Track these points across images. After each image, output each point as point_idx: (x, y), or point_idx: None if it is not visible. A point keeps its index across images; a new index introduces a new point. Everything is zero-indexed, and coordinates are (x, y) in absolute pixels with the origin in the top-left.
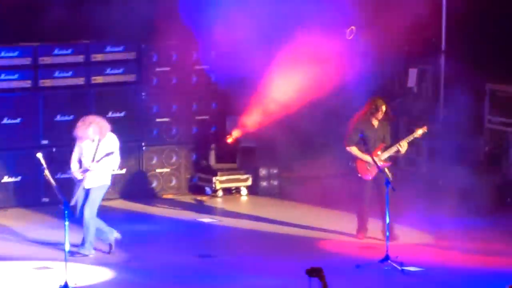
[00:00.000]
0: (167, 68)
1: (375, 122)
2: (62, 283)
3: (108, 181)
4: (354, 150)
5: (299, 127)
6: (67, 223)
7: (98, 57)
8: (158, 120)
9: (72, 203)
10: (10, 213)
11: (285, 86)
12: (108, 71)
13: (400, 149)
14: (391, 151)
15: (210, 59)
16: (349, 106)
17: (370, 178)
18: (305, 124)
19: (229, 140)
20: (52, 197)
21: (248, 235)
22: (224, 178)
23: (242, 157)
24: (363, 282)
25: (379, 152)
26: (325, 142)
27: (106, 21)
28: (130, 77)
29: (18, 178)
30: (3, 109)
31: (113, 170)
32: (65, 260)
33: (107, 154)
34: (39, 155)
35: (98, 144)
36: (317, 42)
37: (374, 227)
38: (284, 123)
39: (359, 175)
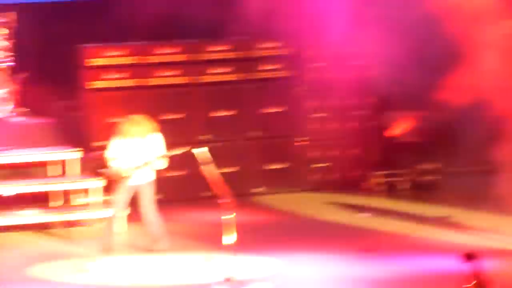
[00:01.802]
0: (323, 64)
1: None
2: (225, 277)
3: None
4: None
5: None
6: (227, 217)
7: (254, 53)
8: (315, 115)
9: (117, 201)
10: (173, 206)
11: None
12: (263, 67)
13: None
14: None
15: (366, 54)
16: None
17: None
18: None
19: (391, 134)
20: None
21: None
22: (385, 173)
23: (402, 152)
24: None
25: None
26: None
27: (259, 17)
28: (286, 73)
29: (182, 173)
30: (164, 104)
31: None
32: (229, 253)
33: (178, 151)
34: (195, 150)
35: (144, 142)
36: None
37: None
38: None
39: None
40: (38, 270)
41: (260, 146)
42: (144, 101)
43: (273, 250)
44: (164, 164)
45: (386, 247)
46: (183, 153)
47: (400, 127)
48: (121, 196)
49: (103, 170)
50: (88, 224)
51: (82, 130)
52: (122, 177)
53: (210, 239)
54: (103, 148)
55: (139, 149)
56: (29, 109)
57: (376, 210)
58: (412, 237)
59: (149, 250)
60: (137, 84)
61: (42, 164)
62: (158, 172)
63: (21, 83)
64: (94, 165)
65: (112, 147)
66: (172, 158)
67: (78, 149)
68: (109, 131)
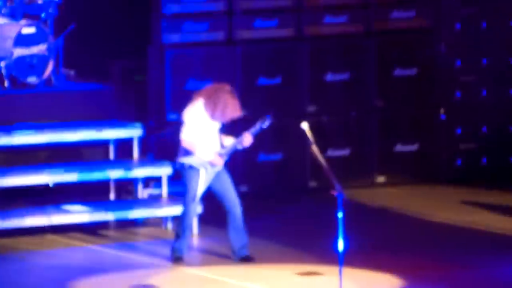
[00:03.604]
0: (475, 9)
1: None
2: None
3: None
4: None
5: None
6: (340, 215)
7: None
8: (462, 78)
9: (191, 195)
10: (263, 202)
11: None
12: (394, 15)
13: None
14: None
15: None
16: None
17: None
18: None
19: None
20: (321, 181)
21: None
22: None
23: None
24: None
25: None
26: None
27: None
28: (424, 22)
29: (277, 157)
30: (261, 66)
31: None
32: (340, 264)
33: (264, 124)
34: (305, 125)
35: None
36: None
37: None
38: None
39: None
40: (86, 287)
41: (383, 121)
42: (231, 61)
43: (398, 267)
44: (249, 144)
45: None
46: (279, 130)
47: None
48: (197, 189)
49: (182, 158)
50: (155, 225)
51: (150, 100)
52: (202, 164)
53: (315, 245)
54: (178, 124)
55: (219, 127)
56: (77, 72)
57: None
58: None
59: (235, 258)
60: (223, 39)
61: (94, 145)
62: (245, 156)
63: (67, 37)
64: (164, 147)
65: (191, 124)
66: (260, 137)
67: (142, 125)
68: (187, 102)
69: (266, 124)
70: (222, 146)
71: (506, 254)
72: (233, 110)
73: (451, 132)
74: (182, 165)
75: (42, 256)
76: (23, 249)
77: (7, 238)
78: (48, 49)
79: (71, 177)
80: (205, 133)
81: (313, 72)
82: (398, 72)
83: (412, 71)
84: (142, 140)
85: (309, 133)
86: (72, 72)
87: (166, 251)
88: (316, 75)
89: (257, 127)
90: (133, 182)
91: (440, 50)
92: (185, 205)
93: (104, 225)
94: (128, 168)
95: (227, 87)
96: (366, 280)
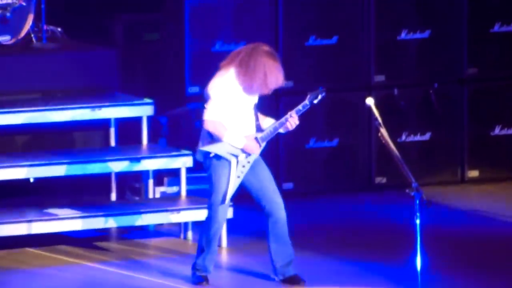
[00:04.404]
0: None
1: None
2: None
3: None
4: None
5: None
6: (418, 221)
7: None
8: None
9: (219, 195)
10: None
11: None
12: None
13: None
14: None
15: None
16: None
17: None
18: None
19: None
20: (391, 176)
21: None
22: None
23: None
24: None
25: None
26: None
27: None
28: None
29: (331, 144)
30: (311, 21)
31: None
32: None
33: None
34: (370, 101)
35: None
36: None
37: None
38: None
39: None
40: None
41: (476, 95)
42: (271, 15)
43: None
44: (294, 126)
45: None
46: (335, 107)
47: None
48: (226, 186)
49: (206, 145)
50: (170, 234)
51: (165, 66)
52: (232, 153)
53: (384, 261)
54: (201, 100)
55: (255, 104)
56: (65, 29)
57: None
58: None
59: (278, 278)
60: None
61: (89, 128)
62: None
63: None
64: (182, 130)
65: (218, 100)
66: (311, 117)
67: (154, 101)
68: (214, 71)
69: (318, 99)
70: (260, 129)
71: None
72: (275, 77)
73: None
74: (206, 154)
75: (19, 276)
76: None
77: None
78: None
79: (58, 170)
80: (237, 112)
81: (380, 30)
82: (498, 28)
83: None
84: (153, 121)
85: (375, 112)
86: (59, 30)
87: (187, 269)
88: (385, 33)
89: (305, 103)
90: (142, 177)
91: None
92: (211, 208)
93: (103, 235)
94: (135, 158)
95: (265, 48)
96: None
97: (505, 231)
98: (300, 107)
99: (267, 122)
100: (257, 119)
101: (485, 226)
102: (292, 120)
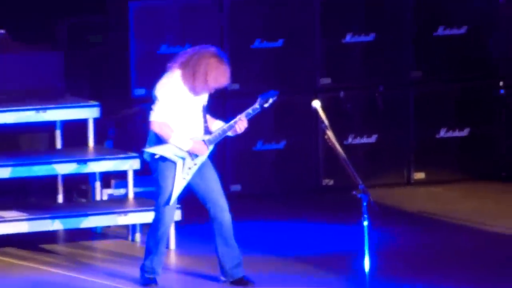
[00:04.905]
0: None
1: None
2: None
3: None
4: None
5: None
6: (366, 223)
7: None
8: None
9: (164, 197)
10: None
11: None
12: None
13: None
14: None
15: None
16: None
17: None
18: None
19: None
20: (338, 178)
21: None
22: None
23: None
24: None
25: None
26: None
27: None
28: None
29: (277, 146)
30: (257, 24)
31: None
32: None
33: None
34: (316, 103)
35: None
36: None
37: None
38: None
39: None
40: None
41: (421, 97)
42: (217, 17)
43: None
44: (243, 129)
45: None
46: (282, 110)
47: None
48: (173, 188)
49: (152, 147)
50: (118, 237)
51: (110, 68)
52: (179, 154)
53: (333, 263)
54: (147, 102)
55: (204, 107)
56: (9, 31)
57: None
58: None
59: (226, 280)
60: None
61: (34, 130)
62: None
63: None
64: (129, 133)
65: (165, 101)
66: (258, 119)
67: (99, 103)
68: (159, 73)
69: (268, 103)
70: (208, 131)
71: None
72: (216, 77)
73: None
74: (153, 156)
75: None
76: None
77: None
78: None
79: (3, 172)
80: (184, 114)
81: (326, 33)
82: (442, 31)
83: (461, 30)
84: (99, 124)
85: (322, 114)
86: (2, 32)
87: (135, 271)
88: (331, 36)
89: (256, 107)
90: (89, 179)
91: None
92: (158, 210)
93: (49, 237)
94: (82, 160)
95: (211, 49)
96: None
97: (450, 233)
98: (250, 110)
99: (216, 125)
100: (205, 121)
101: (431, 228)
102: (241, 123)
